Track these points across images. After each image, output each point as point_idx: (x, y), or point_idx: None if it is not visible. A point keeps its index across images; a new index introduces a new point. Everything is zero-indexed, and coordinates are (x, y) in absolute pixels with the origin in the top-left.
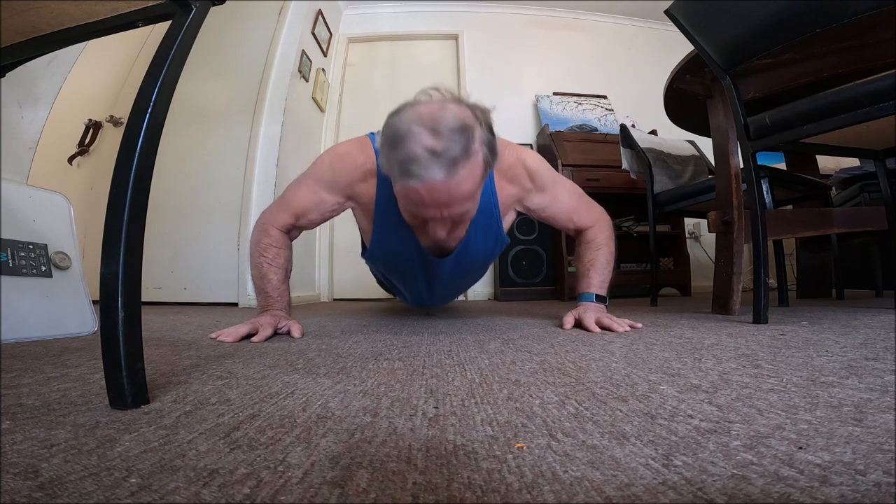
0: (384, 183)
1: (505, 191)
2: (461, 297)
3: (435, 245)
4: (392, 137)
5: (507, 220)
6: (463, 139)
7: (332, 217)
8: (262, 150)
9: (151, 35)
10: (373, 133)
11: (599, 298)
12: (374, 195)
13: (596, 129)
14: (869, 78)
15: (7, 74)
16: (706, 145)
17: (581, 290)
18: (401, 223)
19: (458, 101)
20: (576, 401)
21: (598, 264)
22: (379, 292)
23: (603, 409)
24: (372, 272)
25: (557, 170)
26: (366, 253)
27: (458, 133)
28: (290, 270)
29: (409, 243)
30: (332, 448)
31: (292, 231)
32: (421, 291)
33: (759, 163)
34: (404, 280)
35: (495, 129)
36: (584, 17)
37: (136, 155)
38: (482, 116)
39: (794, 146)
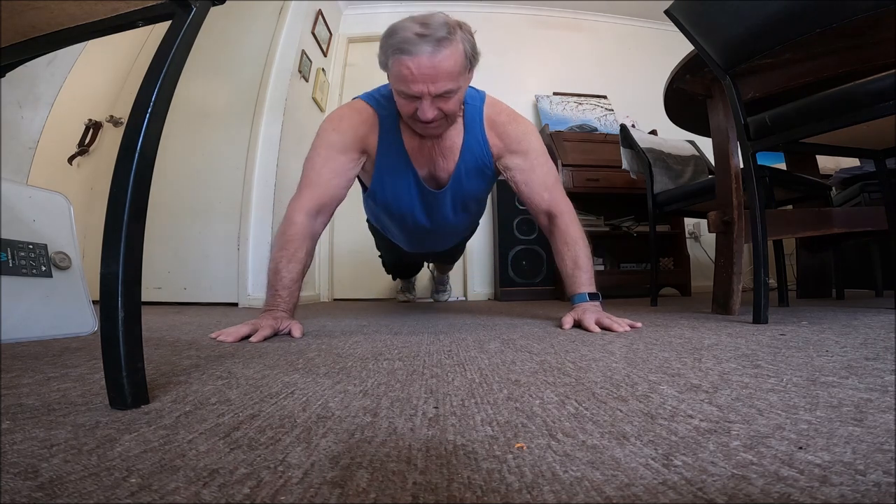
0: (385, 121)
1: (491, 139)
2: (461, 297)
3: (428, 164)
4: (389, 31)
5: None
6: (447, 29)
7: (352, 179)
8: (262, 150)
9: (151, 35)
10: (363, 93)
11: (592, 296)
12: (378, 136)
13: (596, 129)
14: (869, 78)
15: (7, 74)
16: (706, 145)
17: (573, 292)
18: (402, 156)
19: (446, 15)
20: (576, 401)
21: (581, 261)
22: (379, 292)
23: (603, 409)
24: (371, 229)
25: (557, 170)
26: (367, 191)
27: (443, 26)
28: (309, 264)
29: (408, 176)
30: (332, 448)
31: (320, 214)
32: (419, 227)
33: (759, 163)
34: (404, 215)
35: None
36: (584, 17)
37: (136, 155)
38: (465, 27)
39: (794, 146)
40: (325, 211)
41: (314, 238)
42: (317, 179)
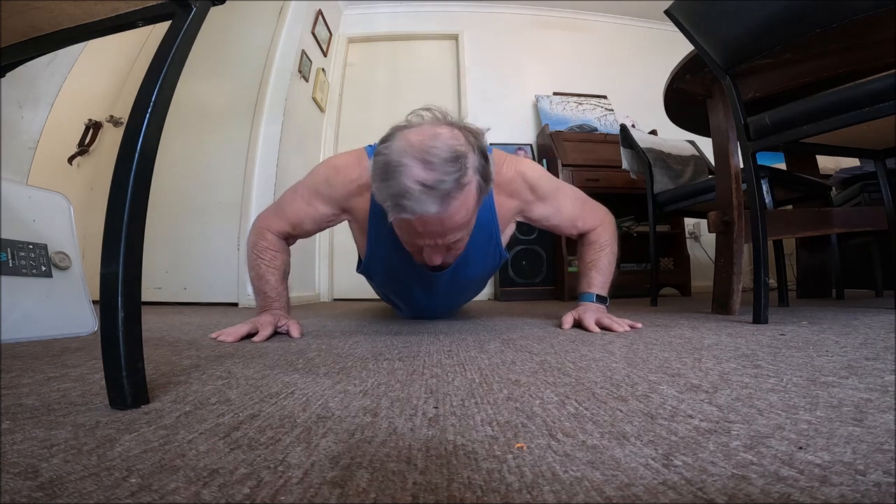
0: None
1: (505, 206)
2: None
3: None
4: (383, 170)
5: (507, 233)
6: (455, 170)
7: (327, 228)
8: (262, 150)
9: (151, 35)
10: (370, 146)
11: (600, 299)
12: (369, 209)
13: (596, 129)
14: (869, 78)
15: (7, 74)
16: (706, 145)
17: (582, 290)
18: (396, 238)
19: (451, 124)
20: (576, 401)
21: (601, 265)
22: None
23: (603, 409)
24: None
25: (557, 170)
26: (361, 267)
27: (451, 164)
28: (288, 272)
29: (405, 258)
30: (332, 448)
31: (289, 238)
32: (419, 303)
33: (759, 163)
34: (402, 294)
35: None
36: (585, 17)
37: (136, 155)
38: (475, 141)
39: (794, 146)
40: (293, 240)
41: (287, 252)
42: (292, 217)
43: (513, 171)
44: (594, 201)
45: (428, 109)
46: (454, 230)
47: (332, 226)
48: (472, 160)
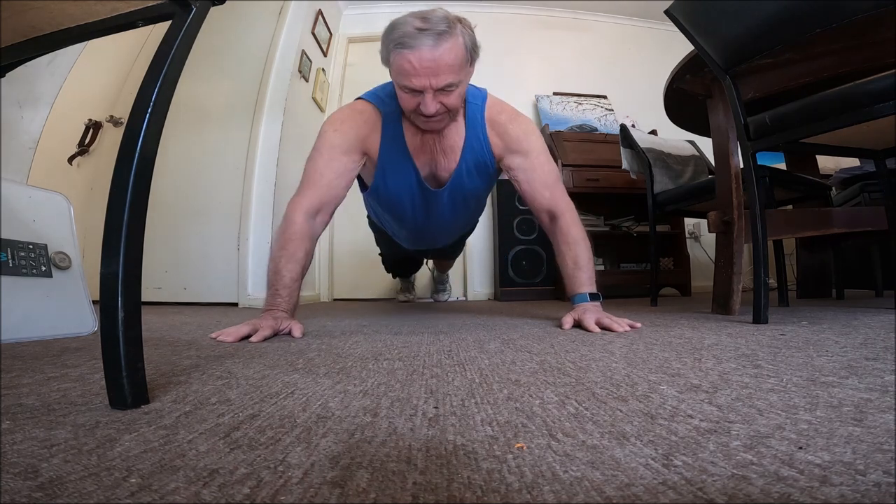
0: (388, 119)
1: (492, 139)
2: (461, 297)
3: (430, 162)
4: (390, 27)
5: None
6: (447, 24)
7: (353, 181)
8: (262, 150)
9: (151, 35)
10: (365, 93)
11: (593, 296)
12: (381, 134)
13: (596, 129)
14: (869, 78)
15: (7, 74)
16: (706, 145)
17: (573, 292)
18: (404, 153)
19: (446, 10)
20: (576, 401)
21: (582, 261)
22: (379, 292)
23: (603, 409)
24: (371, 225)
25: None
26: (369, 188)
27: (443, 20)
28: (308, 265)
29: (409, 174)
30: (332, 448)
31: (319, 213)
32: (418, 224)
33: (759, 163)
34: (403, 213)
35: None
36: (585, 17)
37: (136, 155)
38: (465, 22)
39: (794, 146)
40: (325, 211)
41: (314, 238)
42: (319, 180)
43: (509, 116)
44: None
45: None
46: (445, 70)
47: (356, 175)
48: (461, 28)
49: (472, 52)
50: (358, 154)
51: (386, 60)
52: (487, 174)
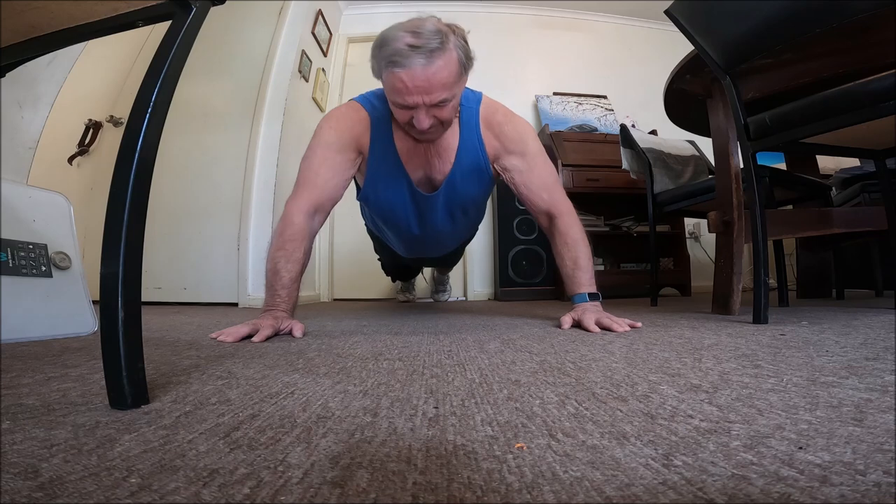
0: (377, 123)
1: (488, 140)
2: (461, 297)
3: (423, 165)
4: (380, 41)
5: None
6: (439, 38)
7: (349, 179)
8: (262, 150)
9: (151, 35)
10: (359, 95)
11: (593, 296)
12: (370, 139)
13: (596, 129)
14: (869, 78)
15: (7, 74)
16: (706, 145)
17: (573, 292)
18: (394, 159)
19: (438, 20)
20: (576, 401)
21: (581, 262)
22: (379, 292)
23: (603, 409)
24: (369, 232)
25: (558, 170)
26: (360, 194)
27: (435, 34)
28: (307, 264)
29: (401, 179)
30: (332, 448)
31: (317, 213)
32: (413, 232)
33: (759, 163)
34: (397, 220)
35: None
36: (585, 17)
37: (136, 155)
38: (458, 31)
39: (794, 146)
40: (323, 210)
41: (311, 237)
42: (314, 179)
43: (504, 117)
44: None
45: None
46: (438, 87)
47: (353, 174)
48: (454, 39)
49: (465, 65)
50: (353, 152)
51: (377, 74)
52: (483, 178)
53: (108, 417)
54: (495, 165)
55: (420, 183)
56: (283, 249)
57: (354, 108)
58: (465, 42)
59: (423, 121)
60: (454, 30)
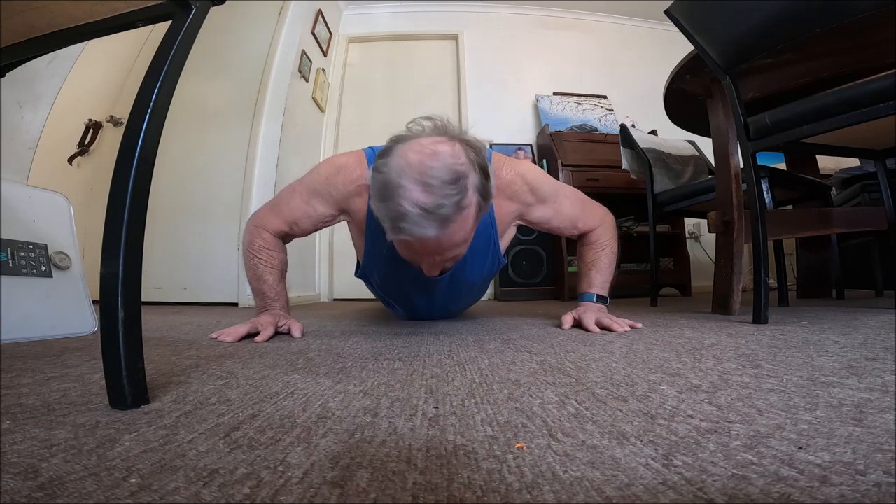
0: None
1: (504, 208)
2: None
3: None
4: (381, 190)
5: (507, 237)
6: (455, 192)
7: (324, 227)
8: (262, 150)
9: (151, 35)
10: (369, 148)
11: (600, 299)
12: (367, 211)
13: (596, 129)
14: (869, 78)
15: (7, 74)
16: (706, 145)
17: (582, 290)
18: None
19: (452, 138)
20: (576, 401)
21: (601, 264)
22: None
23: (603, 409)
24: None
25: (557, 170)
26: (359, 271)
27: (450, 185)
28: (286, 271)
29: (403, 263)
30: (332, 448)
31: (286, 237)
32: (417, 308)
33: (759, 163)
34: (400, 298)
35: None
36: (585, 17)
37: (136, 155)
38: (476, 158)
39: (794, 146)
40: (289, 240)
41: (284, 251)
42: (289, 216)
43: (512, 174)
44: (594, 201)
45: (429, 119)
46: (452, 249)
47: (330, 226)
48: (473, 180)
49: (482, 209)
50: (338, 210)
51: (379, 219)
52: (493, 259)
53: (108, 417)
54: (522, 222)
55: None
56: (259, 257)
57: (359, 164)
58: (485, 173)
59: (434, 271)
60: (472, 156)
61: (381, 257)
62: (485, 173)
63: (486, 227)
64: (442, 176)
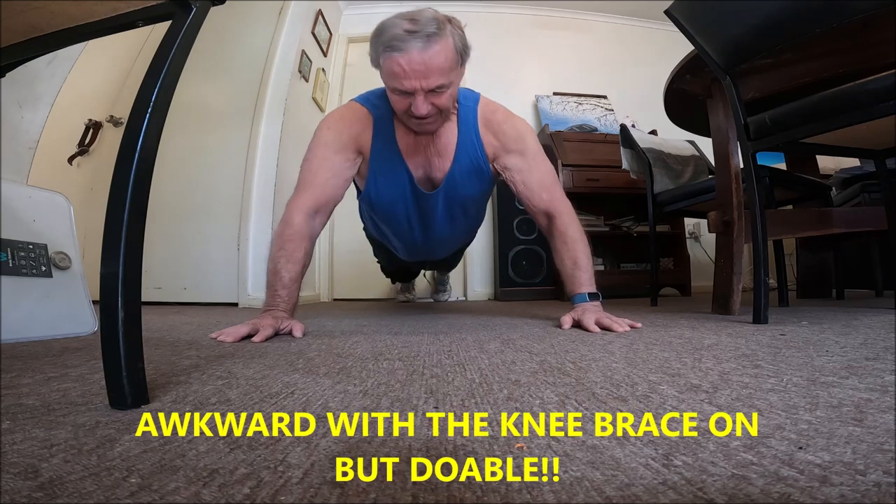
0: (379, 121)
1: (487, 138)
2: (461, 297)
3: (424, 163)
4: (378, 29)
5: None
6: (436, 25)
7: (349, 179)
8: (262, 150)
9: (151, 35)
10: (356, 97)
11: (592, 296)
12: (372, 134)
13: (596, 129)
14: (869, 78)
15: (7, 74)
16: (706, 145)
17: (573, 292)
18: (396, 154)
19: (435, 10)
20: (576, 401)
21: (581, 262)
22: (379, 292)
23: (603, 409)
24: (367, 237)
25: (558, 170)
26: (361, 195)
27: (432, 21)
28: (308, 265)
29: (402, 178)
30: (332, 448)
31: (318, 214)
32: (414, 232)
33: (759, 163)
34: (398, 220)
35: None
36: (585, 17)
37: (136, 155)
38: (455, 22)
39: (794, 146)
40: (323, 211)
41: (312, 238)
42: (314, 180)
43: (503, 116)
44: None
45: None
46: (436, 73)
47: (353, 174)
48: (451, 28)
49: (462, 53)
50: (352, 152)
51: (376, 63)
52: (482, 177)
53: (108, 417)
54: (495, 164)
55: (421, 181)
56: (283, 250)
57: (353, 108)
58: (462, 33)
59: (421, 107)
60: (451, 20)
61: (384, 172)
62: (461, 30)
63: (473, 144)
64: (426, 15)
